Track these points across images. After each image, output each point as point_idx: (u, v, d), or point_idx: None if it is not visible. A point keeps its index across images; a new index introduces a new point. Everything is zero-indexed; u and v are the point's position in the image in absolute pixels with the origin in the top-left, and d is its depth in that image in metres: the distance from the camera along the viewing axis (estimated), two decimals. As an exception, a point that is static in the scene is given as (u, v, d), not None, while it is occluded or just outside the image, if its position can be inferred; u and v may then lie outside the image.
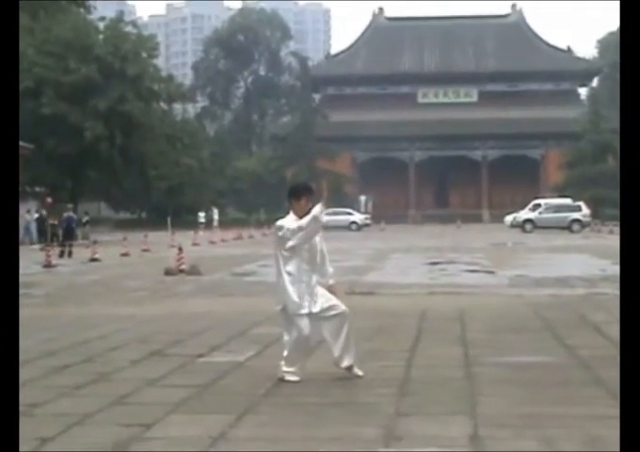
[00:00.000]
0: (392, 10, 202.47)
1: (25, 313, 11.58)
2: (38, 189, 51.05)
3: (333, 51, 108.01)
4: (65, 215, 35.76)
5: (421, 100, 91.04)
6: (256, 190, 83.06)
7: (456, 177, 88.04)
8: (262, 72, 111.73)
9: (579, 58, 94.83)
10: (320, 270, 7.69)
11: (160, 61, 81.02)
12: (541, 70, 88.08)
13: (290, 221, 7.56)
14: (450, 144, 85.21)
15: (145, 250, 33.57)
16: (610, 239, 37.85)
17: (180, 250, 23.12)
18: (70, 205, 39.53)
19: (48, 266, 25.58)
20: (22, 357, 7.28)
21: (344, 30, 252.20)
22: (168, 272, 21.67)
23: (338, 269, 8.47)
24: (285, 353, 7.59)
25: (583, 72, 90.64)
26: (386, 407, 6.53)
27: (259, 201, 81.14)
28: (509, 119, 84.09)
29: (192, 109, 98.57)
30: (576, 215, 53.37)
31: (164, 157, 67.77)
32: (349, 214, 64.46)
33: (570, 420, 6.07)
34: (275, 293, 7.86)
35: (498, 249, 33.69)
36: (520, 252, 30.50)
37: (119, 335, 10.85)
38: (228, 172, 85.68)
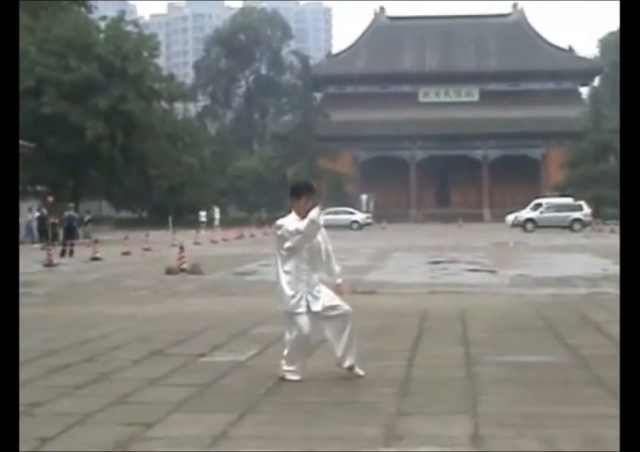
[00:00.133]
0: (393, 10, 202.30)
1: (26, 312, 11.59)
2: (39, 188, 51.07)
3: (334, 50, 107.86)
4: (66, 214, 35.76)
5: (422, 99, 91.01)
6: (257, 189, 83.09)
7: (457, 176, 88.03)
8: (263, 72, 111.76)
9: (580, 58, 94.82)
10: (326, 269, 7.71)
11: (161, 60, 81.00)
12: (542, 69, 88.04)
13: (291, 220, 7.57)
14: (451, 143, 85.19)
15: (146, 250, 33.57)
16: (611, 238, 37.84)
17: (181, 249, 23.12)
18: (71, 204, 39.52)
19: (49, 265, 25.59)
20: (22, 356, 7.29)
21: (345, 29, 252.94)
22: (169, 271, 21.68)
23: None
24: (285, 352, 7.60)
25: (584, 71, 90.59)
26: (387, 406, 6.53)
27: (260, 200, 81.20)
28: (510, 118, 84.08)
29: (193, 108, 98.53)
30: (577, 214, 53.37)
31: (165, 156, 67.76)
32: (351, 213, 64.50)
33: (571, 419, 6.07)
34: (274, 292, 7.87)
35: (499, 248, 33.69)
36: (521, 252, 30.50)
37: (120, 335, 10.85)
38: (229, 171, 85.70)
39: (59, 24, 58.56)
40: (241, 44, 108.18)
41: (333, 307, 7.52)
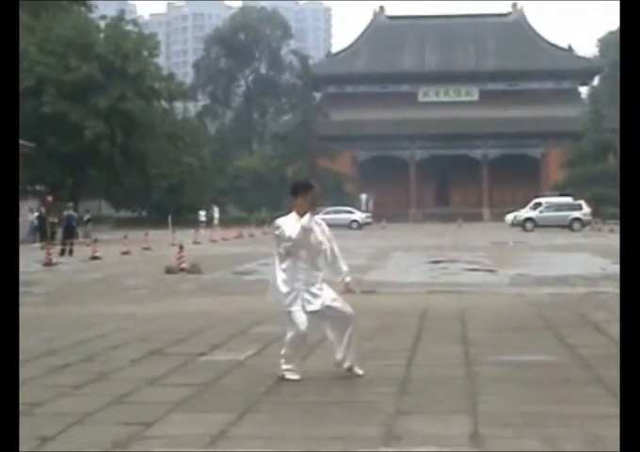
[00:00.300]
0: (392, 9, 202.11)
1: (25, 311, 11.58)
2: (38, 188, 51.04)
3: (334, 49, 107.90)
4: (65, 213, 35.75)
5: (421, 99, 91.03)
6: (257, 189, 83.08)
7: (456, 176, 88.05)
8: (262, 71, 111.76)
9: (580, 57, 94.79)
10: (333, 269, 7.72)
11: (161, 60, 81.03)
12: (542, 68, 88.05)
13: (291, 220, 7.58)
14: (451, 143, 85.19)
15: (146, 249, 33.57)
16: (611, 238, 37.84)
17: (180, 248, 23.12)
18: (70, 204, 39.51)
19: (48, 264, 25.59)
20: (21, 356, 7.28)
21: (345, 29, 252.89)
22: (168, 271, 21.67)
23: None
24: (283, 351, 7.60)
25: (583, 70, 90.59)
26: (386, 406, 6.52)
27: (260, 199, 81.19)
28: (510, 117, 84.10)
29: (193, 108, 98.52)
30: (577, 213, 53.39)
31: (164, 156, 67.78)
32: (350, 212, 64.50)
33: (571, 419, 6.06)
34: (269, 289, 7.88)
35: (499, 247, 33.69)
36: (520, 251, 30.50)
37: (119, 334, 10.84)
38: (229, 171, 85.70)
39: (59, 24, 58.61)
40: (241, 44, 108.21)
41: (334, 308, 7.50)
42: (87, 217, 48.76)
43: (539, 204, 56.99)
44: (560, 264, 23.57)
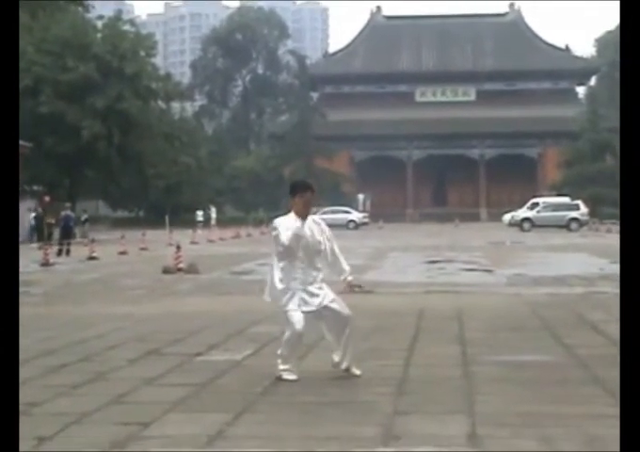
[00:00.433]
0: (389, 9, 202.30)
1: (23, 311, 11.54)
2: (36, 188, 51.01)
3: (331, 49, 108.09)
4: (63, 213, 35.71)
5: (419, 99, 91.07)
6: (254, 189, 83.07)
7: (453, 176, 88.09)
8: (260, 71, 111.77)
9: (577, 57, 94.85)
10: (335, 269, 7.73)
11: (158, 60, 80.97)
12: (539, 68, 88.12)
13: (289, 220, 7.58)
14: (448, 143, 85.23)
15: (143, 249, 33.55)
16: (608, 238, 37.87)
17: (178, 248, 23.11)
18: (67, 204, 39.45)
19: (46, 264, 25.57)
20: (20, 356, 7.27)
21: (342, 29, 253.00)
22: (165, 271, 21.67)
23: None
24: (280, 350, 7.60)
25: (581, 70, 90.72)
26: (384, 406, 6.52)
27: (257, 199, 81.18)
28: (507, 117, 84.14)
29: (190, 108, 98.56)
30: (574, 213, 53.42)
31: (162, 156, 67.72)
32: (347, 212, 64.49)
33: (569, 419, 6.07)
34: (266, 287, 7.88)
35: (496, 247, 33.70)
36: (518, 251, 30.51)
37: (116, 334, 10.84)
38: (226, 171, 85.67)
39: (57, 24, 58.54)
40: (238, 44, 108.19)
41: (332, 309, 7.49)
42: (84, 217, 48.72)
43: (537, 204, 57.02)
44: (557, 264, 23.58)
